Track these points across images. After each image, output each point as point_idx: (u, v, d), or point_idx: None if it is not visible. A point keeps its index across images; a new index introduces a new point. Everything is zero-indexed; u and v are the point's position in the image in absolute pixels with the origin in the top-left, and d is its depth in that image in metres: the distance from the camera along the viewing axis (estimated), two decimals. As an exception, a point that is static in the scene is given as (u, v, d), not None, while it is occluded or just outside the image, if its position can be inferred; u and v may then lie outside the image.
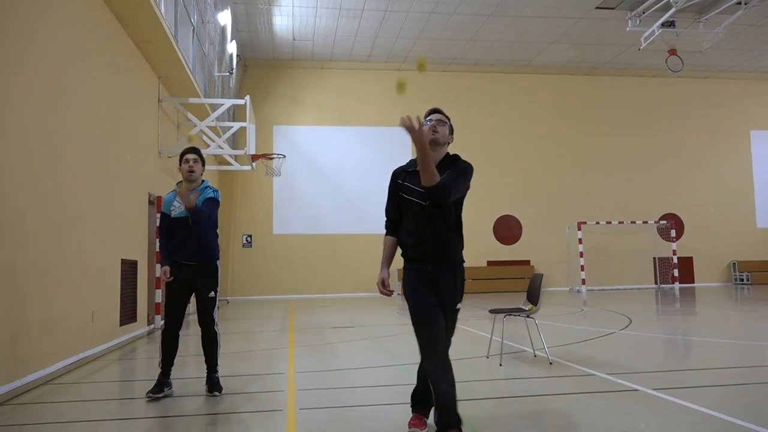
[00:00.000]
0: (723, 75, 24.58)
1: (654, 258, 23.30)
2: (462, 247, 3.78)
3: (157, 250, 5.41)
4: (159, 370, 5.18)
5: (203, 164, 5.35)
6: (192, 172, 5.22)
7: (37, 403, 5.08)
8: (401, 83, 3.78)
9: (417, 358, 3.85)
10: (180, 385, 5.50)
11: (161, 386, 5.09)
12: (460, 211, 3.78)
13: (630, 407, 4.41)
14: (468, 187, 3.73)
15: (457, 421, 3.45)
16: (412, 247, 3.72)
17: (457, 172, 3.66)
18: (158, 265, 10.62)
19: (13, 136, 5.67)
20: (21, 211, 5.79)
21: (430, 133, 3.70)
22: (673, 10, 16.05)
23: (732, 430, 3.73)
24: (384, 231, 3.97)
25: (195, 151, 5.30)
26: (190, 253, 5.19)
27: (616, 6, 17.91)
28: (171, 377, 5.21)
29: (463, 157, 3.81)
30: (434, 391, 3.52)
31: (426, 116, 3.81)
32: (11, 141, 5.63)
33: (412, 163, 3.83)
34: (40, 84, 6.31)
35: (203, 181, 5.37)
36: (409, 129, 3.43)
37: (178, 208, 5.22)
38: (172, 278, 5.16)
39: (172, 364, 5.21)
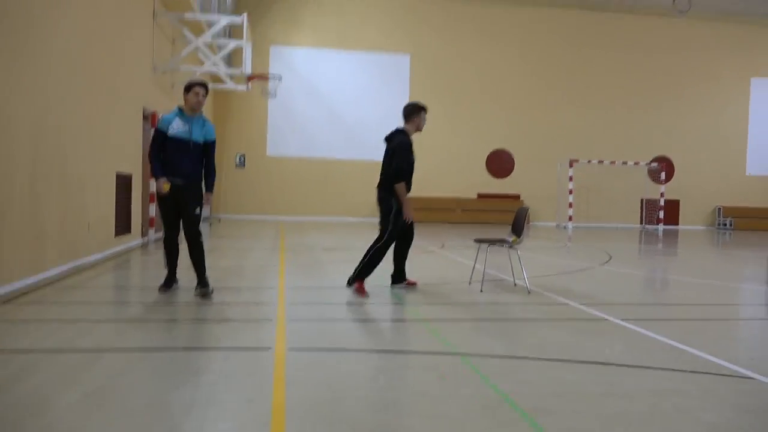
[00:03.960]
0: (730, 18, 24.14)
1: (642, 199, 23.64)
2: None
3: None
4: (165, 272, 5.93)
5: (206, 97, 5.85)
6: (200, 104, 5.74)
7: (39, 303, 5.34)
8: None
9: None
10: (172, 294, 5.79)
11: (170, 282, 5.88)
12: None
13: (597, 334, 4.73)
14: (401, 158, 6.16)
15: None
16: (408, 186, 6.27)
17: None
18: (152, 180, 10.81)
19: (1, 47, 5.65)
20: (14, 120, 5.86)
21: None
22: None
23: (685, 357, 4.05)
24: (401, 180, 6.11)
25: (205, 85, 5.76)
26: (183, 173, 5.65)
27: (628, -62, 17.34)
28: (177, 276, 5.97)
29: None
30: (372, 261, 6.12)
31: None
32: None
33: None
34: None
35: (201, 112, 5.87)
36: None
37: (176, 129, 5.64)
38: (167, 188, 5.58)
39: (176, 265, 5.92)
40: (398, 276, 6.56)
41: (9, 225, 5.72)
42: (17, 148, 5.91)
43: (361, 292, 6.01)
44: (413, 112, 6.37)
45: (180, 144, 5.61)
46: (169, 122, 5.66)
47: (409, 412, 2.91)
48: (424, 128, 6.44)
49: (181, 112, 5.72)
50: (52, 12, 6.67)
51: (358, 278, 6.10)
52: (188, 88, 5.71)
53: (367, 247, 6.24)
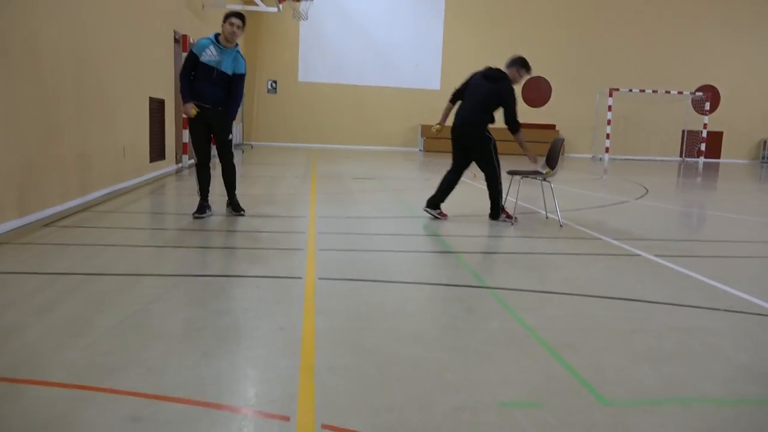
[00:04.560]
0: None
1: (683, 130, 22.83)
2: None
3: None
4: (198, 198, 6.10)
5: (243, 30, 5.82)
6: (234, 35, 5.70)
7: (78, 226, 5.49)
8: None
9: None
10: (205, 222, 5.89)
11: (203, 209, 5.99)
12: None
13: (629, 270, 4.67)
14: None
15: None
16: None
17: None
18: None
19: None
20: (50, 44, 5.84)
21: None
22: None
23: (720, 295, 3.98)
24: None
25: (242, 18, 5.74)
26: (211, 99, 5.78)
27: None
28: (209, 202, 6.12)
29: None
30: (497, 195, 6.50)
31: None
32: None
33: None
34: None
35: (236, 44, 5.90)
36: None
37: (209, 56, 5.70)
38: (196, 113, 5.74)
39: (208, 191, 6.10)
40: (435, 202, 6.55)
41: (55, 149, 5.83)
42: (63, 72, 5.97)
43: (510, 217, 6.48)
44: (515, 63, 6.38)
45: (207, 71, 5.70)
46: (204, 48, 5.69)
47: (435, 344, 2.95)
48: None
49: (217, 40, 5.74)
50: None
51: (502, 209, 6.49)
52: (226, 17, 5.70)
53: (443, 179, 6.60)
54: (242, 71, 5.85)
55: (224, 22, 5.69)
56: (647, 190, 10.71)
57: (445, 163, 6.85)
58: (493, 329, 3.18)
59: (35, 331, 2.89)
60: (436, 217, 6.51)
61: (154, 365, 2.54)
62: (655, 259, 4.99)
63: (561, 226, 6.38)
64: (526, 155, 6.47)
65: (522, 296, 3.83)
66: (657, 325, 3.36)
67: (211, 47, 5.69)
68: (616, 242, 5.64)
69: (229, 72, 5.77)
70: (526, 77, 6.57)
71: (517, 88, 6.48)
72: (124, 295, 3.51)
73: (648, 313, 3.57)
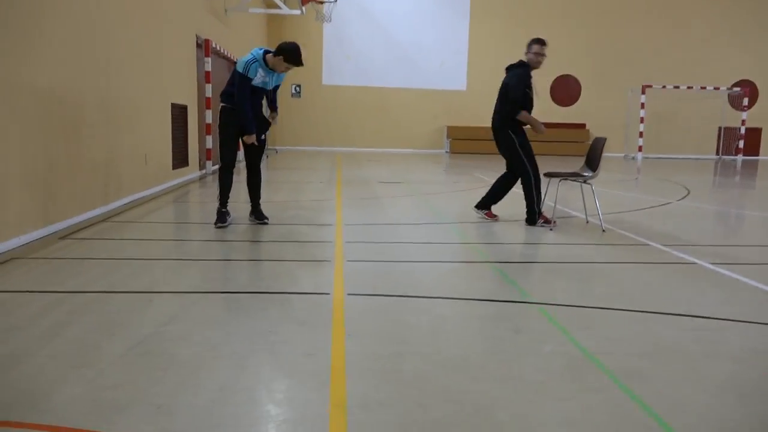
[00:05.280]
0: None
1: (720, 127, 22.04)
2: None
3: (222, 103, 5.89)
4: (217, 205, 5.85)
5: None
6: (285, 71, 5.84)
7: (96, 239, 5.26)
8: None
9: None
10: (228, 231, 5.62)
11: (224, 216, 5.77)
12: None
13: (687, 281, 4.25)
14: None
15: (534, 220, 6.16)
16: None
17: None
18: (208, 111, 10.64)
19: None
20: (70, 49, 5.63)
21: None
22: None
23: (797, 310, 3.55)
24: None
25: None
26: (254, 111, 5.81)
27: None
28: (228, 208, 5.89)
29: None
30: (533, 195, 6.09)
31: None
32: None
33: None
34: None
35: None
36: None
37: (259, 79, 5.67)
38: (256, 138, 5.77)
39: (228, 197, 5.88)
40: (486, 203, 6.46)
41: (76, 158, 5.62)
42: (84, 80, 5.76)
43: (548, 222, 6.11)
44: (528, 44, 6.23)
45: (258, 92, 5.78)
46: (255, 72, 5.62)
47: (482, 373, 2.59)
48: (540, 64, 6.30)
49: (264, 63, 5.65)
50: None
51: (538, 214, 6.14)
52: (289, 58, 5.56)
53: (494, 182, 6.44)
54: (281, 81, 5.97)
55: (286, 60, 5.57)
56: (688, 191, 10.18)
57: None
58: (546, 354, 2.81)
59: (37, 361, 2.61)
60: (484, 218, 6.46)
61: (163, 402, 2.23)
62: (713, 267, 4.55)
63: (603, 231, 5.96)
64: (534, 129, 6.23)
65: (573, 313, 3.45)
66: (733, 347, 2.95)
67: (261, 71, 5.64)
68: (666, 249, 5.20)
69: (272, 86, 5.90)
70: (544, 51, 6.22)
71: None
72: (137, 315, 3.23)
73: (720, 333, 3.16)
